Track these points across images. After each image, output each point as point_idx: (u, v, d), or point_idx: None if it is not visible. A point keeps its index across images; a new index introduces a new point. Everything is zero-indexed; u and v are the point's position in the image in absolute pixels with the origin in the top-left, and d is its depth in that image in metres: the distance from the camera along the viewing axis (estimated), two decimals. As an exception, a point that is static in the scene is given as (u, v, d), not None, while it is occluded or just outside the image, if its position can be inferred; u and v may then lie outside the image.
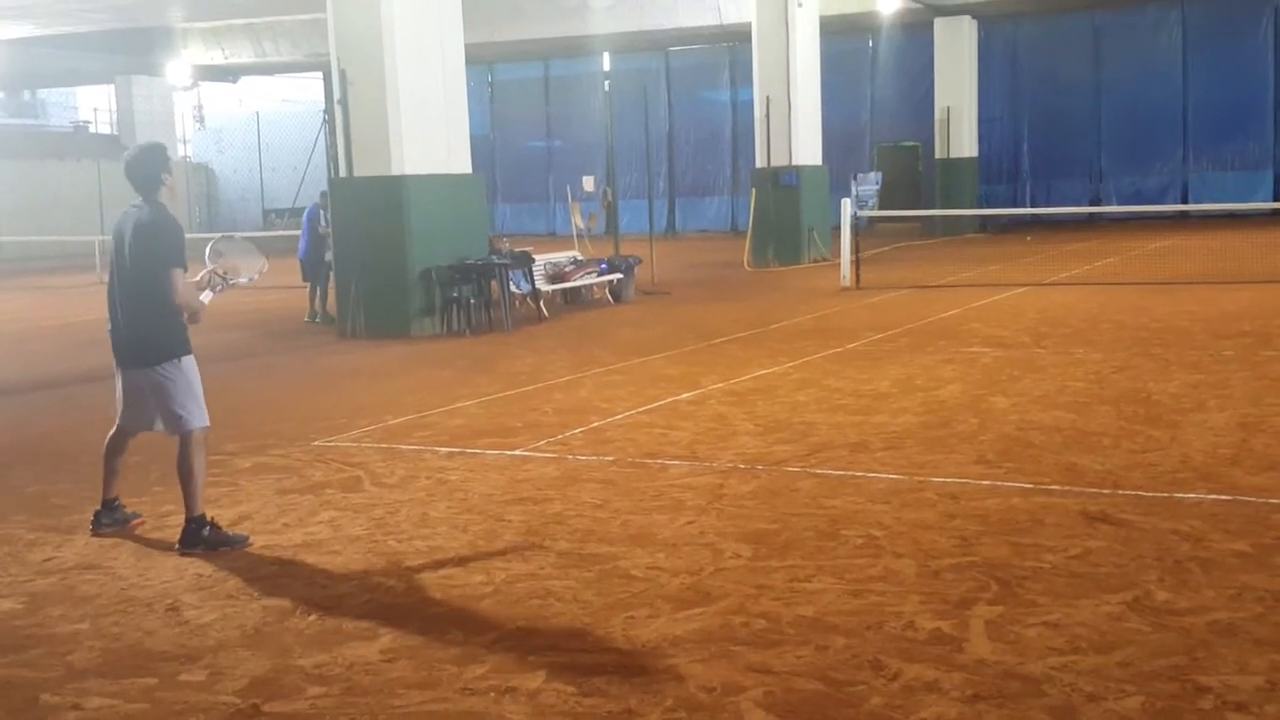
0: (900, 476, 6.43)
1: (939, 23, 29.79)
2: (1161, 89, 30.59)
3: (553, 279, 16.22)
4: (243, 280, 6.31)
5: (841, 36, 29.54)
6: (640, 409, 8.71)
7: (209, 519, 5.74)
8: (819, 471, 6.63)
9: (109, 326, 5.93)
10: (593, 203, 20.84)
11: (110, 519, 6.05)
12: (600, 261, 17.21)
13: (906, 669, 3.93)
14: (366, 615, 4.67)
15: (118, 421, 6.03)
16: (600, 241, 20.38)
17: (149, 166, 5.83)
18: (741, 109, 32.65)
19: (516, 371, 10.81)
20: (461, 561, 5.29)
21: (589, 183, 20.87)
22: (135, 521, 6.13)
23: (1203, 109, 30.20)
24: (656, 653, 4.17)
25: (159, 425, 5.88)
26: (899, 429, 7.63)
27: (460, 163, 14.49)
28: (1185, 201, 29.59)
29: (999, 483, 6.22)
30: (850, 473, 6.58)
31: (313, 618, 4.67)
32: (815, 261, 22.45)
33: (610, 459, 7.15)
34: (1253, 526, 5.28)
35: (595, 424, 8.23)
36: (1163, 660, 3.91)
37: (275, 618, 4.69)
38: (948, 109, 30.15)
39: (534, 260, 15.57)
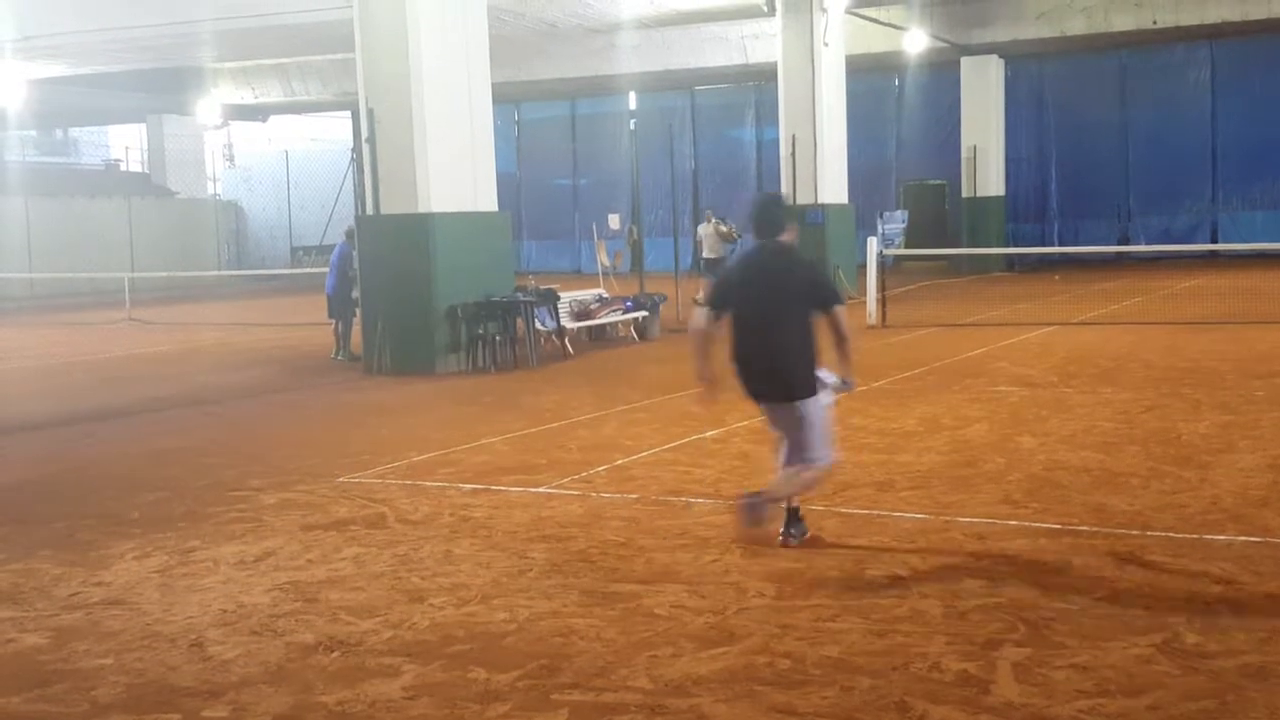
0: (926, 516, 6.38)
1: (966, 62, 29.85)
2: (1190, 128, 30.52)
3: (578, 316, 16.25)
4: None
5: (868, 75, 29.64)
6: (664, 446, 8.70)
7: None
8: (844, 510, 6.60)
9: (738, 363, 6.12)
10: (618, 240, 20.95)
11: (798, 530, 6.00)
12: (625, 299, 17.25)
13: (932, 711, 3.89)
14: (389, 652, 4.66)
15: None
16: (625, 279, 20.44)
17: (779, 212, 6.32)
18: (766, 147, 32.74)
19: (541, 408, 10.82)
20: (484, 599, 5.28)
21: (614, 220, 20.98)
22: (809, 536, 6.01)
23: (1231, 148, 30.10)
24: (680, 692, 4.14)
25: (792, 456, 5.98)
26: (925, 468, 7.59)
27: (487, 200, 14.58)
28: (1215, 241, 29.45)
29: (1026, 523, 6.16)
30: (875, 512, 6.54)
31: (335, 654, 4.67)
32: (841, 300, 22.39)
33: (634, 497, 7.14)
34: (1284, 569, 5.21)
35: (619, 461, 8.22)
36: (1192, 704, 3.85)
37: (298, 654, 4.69)
38: (974, 148, 30.15)
39: (559, 298, 15.62)
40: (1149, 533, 5.90)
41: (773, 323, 5.96)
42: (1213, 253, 28.71)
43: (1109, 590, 5.03)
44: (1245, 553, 5.49)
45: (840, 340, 5.95)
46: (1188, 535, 5.82)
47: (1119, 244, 30.30)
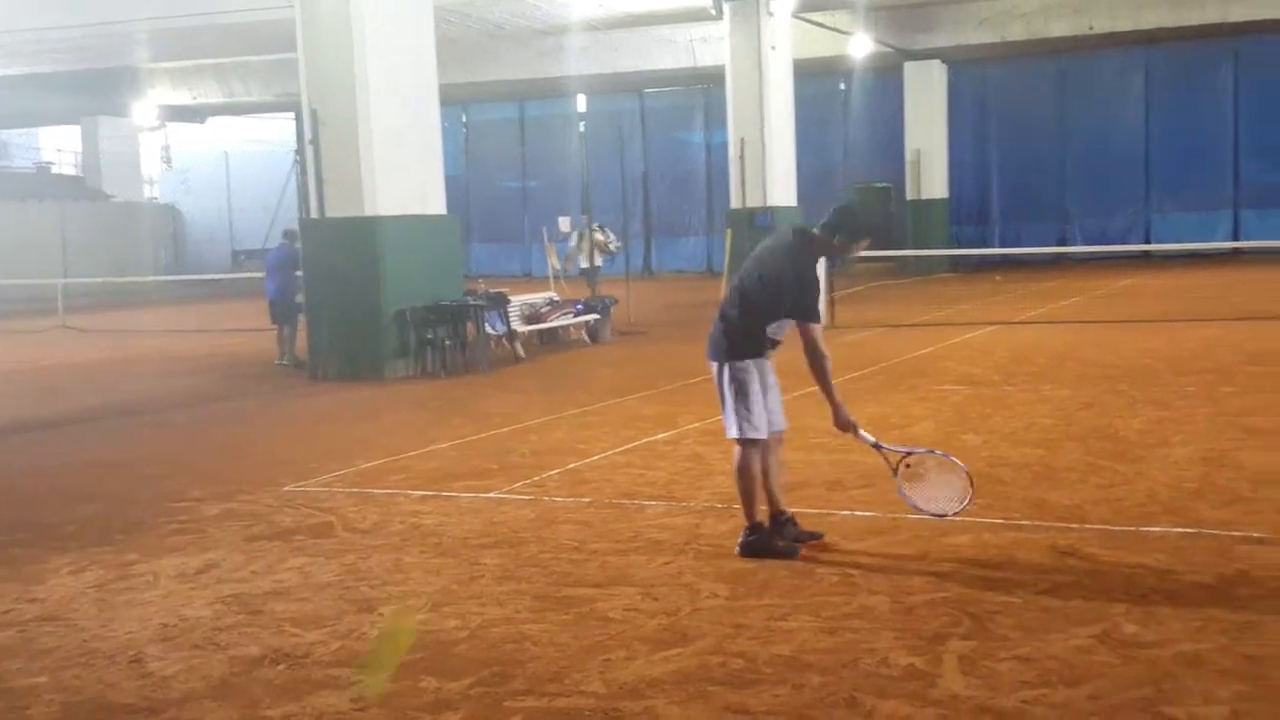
0: (875, 514, 6.48)
1: (909, 67, 30.19)
2: (1125, 132, 31.10)
3: (529, 320, 16.25)
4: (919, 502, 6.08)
5: (814, 79, 29.88)
6: (617, 450, 8.74)
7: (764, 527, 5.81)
8: (795, 510, 6.65)
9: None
10: (569, 243, 20.94)
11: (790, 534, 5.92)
12: (576, 302, 17.27)
13: (881, 706, 3.97)
14: (337, 664, 4.64)
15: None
16: (576, 282, 20.46)
17: (857, 222, 5.94)
18: (716, 150, 32.89)
19: (492, 413, 10.82)
20: (435, 606, 5.29)
21: (565, 223, 20.99)
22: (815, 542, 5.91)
23: (1164, 152, 30.71)
24: (634, 694, 4.19)
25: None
26: (873, 467, 7.67)
27: (435, 203, 14.53)
28: (1148, 241, 30.00)
29: (970, 519, 6.27)
30: (826, 511, 6.63)
31: (281, 667, 4.63)
32: (788, 301, 22.53)
33: (587, 500, 7.18)
34: (1216, 559, 5.36)
35: (572, 465, 8.25)
36: (1131, 692, 3.97)
37: (242, 668, 4.65)
38: (918, 151, 30.50)
39: (509, 301, 15.61)
40: (1087, 526, 6.04)
41: (738, 290, 5.90)
42: (1146, 253, 29.27)
43: (1050, 583, 5.15)
44: (1179, 544, 5.63)
45: (810, 358, 5.75)
46: (1124, 528, 5.97)
47: (1057, 245, 30.80)
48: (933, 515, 5.93)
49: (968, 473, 5.93)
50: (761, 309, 5.80)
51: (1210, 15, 26.07)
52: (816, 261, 6.05)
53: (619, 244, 19.88)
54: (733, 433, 5.86)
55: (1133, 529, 5.95)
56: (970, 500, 5.89)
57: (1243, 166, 30.11)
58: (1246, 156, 30.04)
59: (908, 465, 6.01)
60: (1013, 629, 4.62)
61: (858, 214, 6.07)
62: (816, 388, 5.88)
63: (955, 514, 5.87)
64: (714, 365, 5.93)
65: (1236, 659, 4.20)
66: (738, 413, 5.83)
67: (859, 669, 4.30)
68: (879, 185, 33.15)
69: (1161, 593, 4.95)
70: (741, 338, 5.85)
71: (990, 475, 7.29)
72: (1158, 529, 5.92)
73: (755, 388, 5.82)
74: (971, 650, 4.42)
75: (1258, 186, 29.87)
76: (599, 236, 19.47)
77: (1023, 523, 6.17)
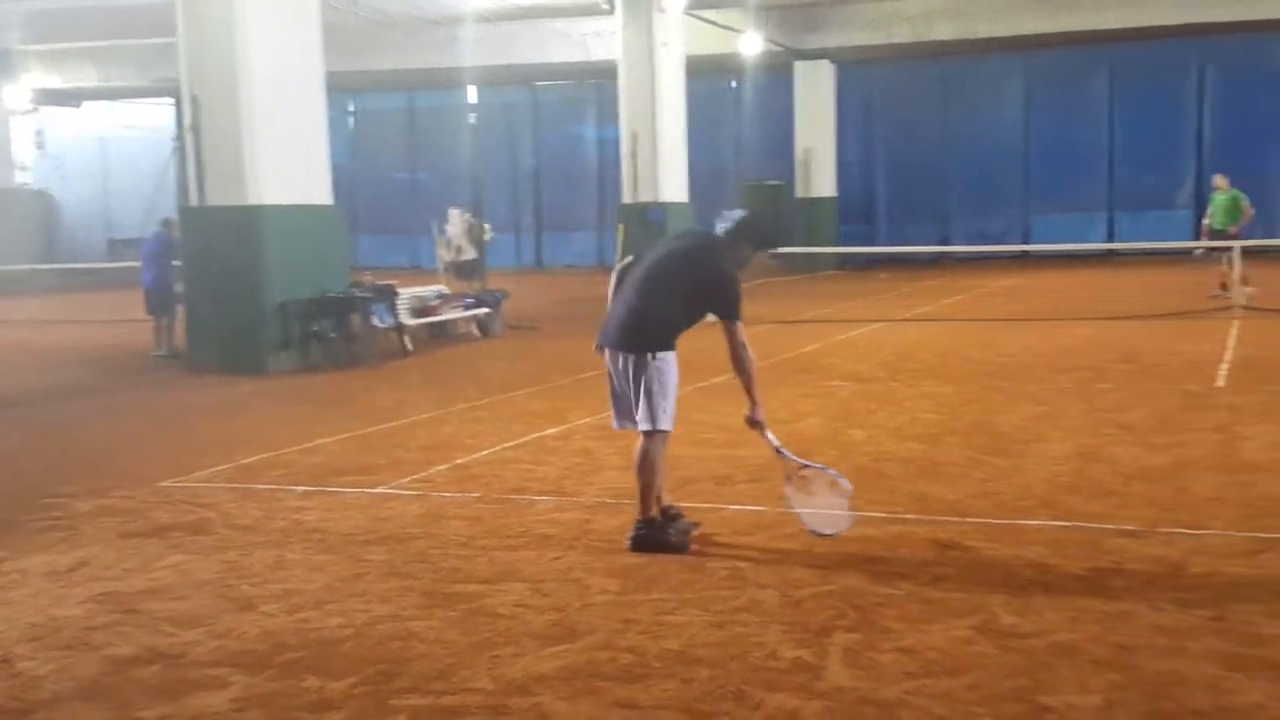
0: (764, 509, 6.54)
1: (799, 66, 30.56)
2: (1004, 134, 31.94)
3: (417, 313, 16.06)
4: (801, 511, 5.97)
5: (706, 76, 30.04)
6: (506, 444, 8.68)
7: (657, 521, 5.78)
8: (685, 504, 6.69)
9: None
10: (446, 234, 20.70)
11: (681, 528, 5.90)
12: (466, 296, 17.12)
13: (769, 698, 4.00)
14: (215, 663, 4.53)
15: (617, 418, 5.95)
16: (466, 275, 20.26)
17: (766, 232, 6.15)
18: (608, 145, 32.87)
19: (379, 407, 10.67)
20: (319, 604, 5.19)
21: (455, 216, 20.77)
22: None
23: (1043, 155, 31.60)
24: (522, 691, 4.16)
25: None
26: (762, 462, 7.74)
27: (320, 193, 14.25)
28: (1026, 242, 30.86)
29: (855, 513, 6.37)
30: (715, 505, 6.67)
31: (156, 667, 4.50)
32: (678, 297, 22.65)
33: (476, 495, 7.11)
34: (1089, 551, 5.53)
35: (460, 460, 8.17)
36: (1009, 682, 4.06)
37: (115, 668, 4.51)
38: (808, 150, 30.90)
39: (398, 294, 15.41)
40: (968, 519, 6.18)
41: (652, 285, 5.85)
42: (1025, 253, 30.11)
43: (932, 575, 5.25)
44: (1055, 536, 5.80)
45: (734, 356, 5.76)
46: (1003, 521, 6.12)
47: (940, 245, 31.52)
48: (808, 529, 5.89)
49: (850, 500, 5.88)
50: (688, 304, 5.81)
51: (1086, 22, 26.90)
52: (736, 264, 6.06)
53: (493, 234, 19.55)
54: (647, 425, 5.79)
55: (1011, 522, 6.10)
56: (845, 529, 5.83)
57: (1117, 170, 31.13)
58: (1121, 160, 31.07)
59: (802, 476, 6.01)
60: (896, 621, 4.70)
61: (762, 225, 6.19)
62: (736, 380, 5.94)
63: (827, 536, 5.80)
64: (626, 357, 5.82)
65: (1109, 648, 4.33)
66: (658, 405, 5.79)
67: (747, 662, 4.33)
68: (771, 183, 33.52)
69: (1038, 584, 5.09)
70: (664, 330, 5.82)
71: (875, 470, 7.42)
72: (1035, 522, 6.08)
73: (675, 380, 5.85)
74: (856, 642, 4.48)
75: (1131, 190, 30.92)
76: (471, 221, 19.12)
77: (906, 516, 6.29)
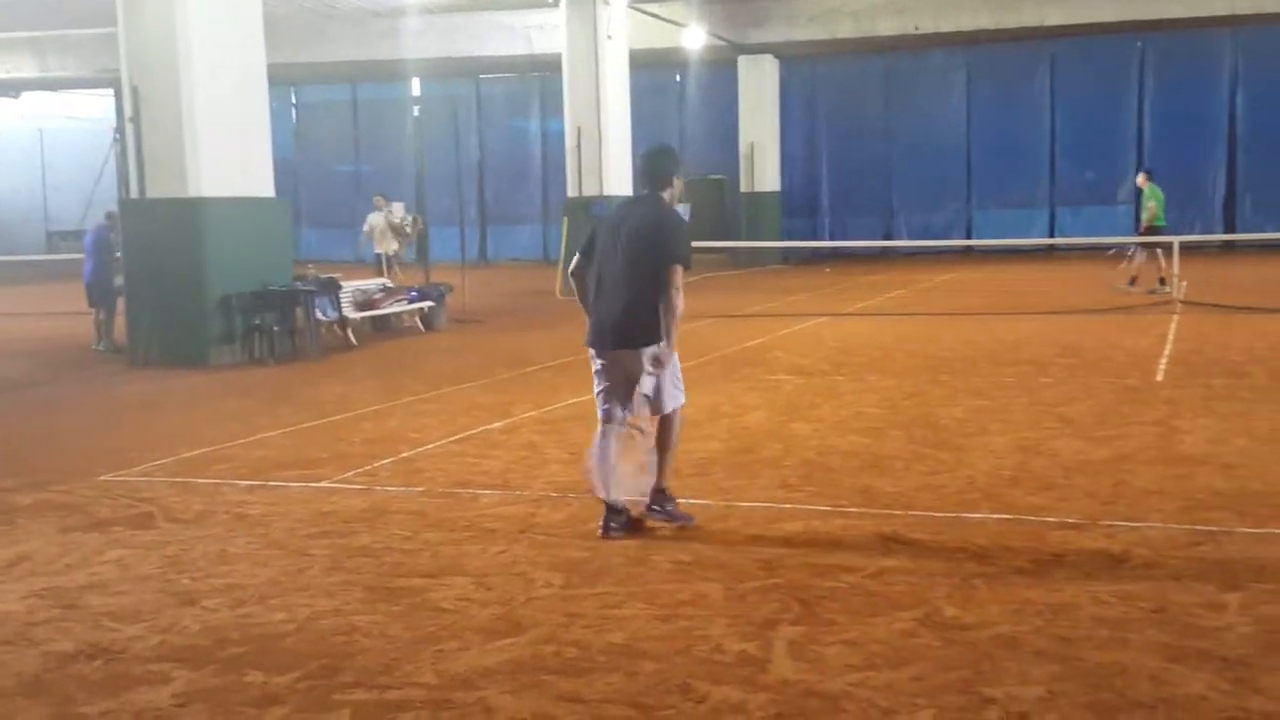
0: (708, 502, 6.56)
1: (743, 60, 30.65)
2: (947, 130, 32.29)
3: (361, 306, 15.93)
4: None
5: (651, 70, 30.06)
6: (451, 438, 8.64)
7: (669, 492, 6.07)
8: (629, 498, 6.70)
9: (589, 309, 6.14)
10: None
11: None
12: (410, 289, 17.01)
13: (714, 691, 4.01)
14: (158, 659, 4.47)
15: (603, 412, 6.12)
16: (411, 268, 20.14)
17: (666, 165, 6.19)
18: (552, 138, 32.80)
19: (322, 401, 10.57)
20: (262, 599, 5.13)
21: (399, 209, 20.64)
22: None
23: (985, 150, 32.00)
24: (466, 685, 4.14)
25: (636, 408, 6.01)
26: (706, 455, 7.79)
27: (262, 185, 14.11)
28: (970, 237, 31.22)
29: (800, 506, 6.42)
30: (658, 499, 6.66)
31: (98, 663, 4.44)
32: (624, 290, 22.68)
33: (420, 490, 7.07)
34: (1032, 543, 5.60)
35: (405, 454, 8.12)
36: (951, 674, 4.10)
37: (56, 664, 4.44)
38: (752, 144, 31.02)
39: (341, 287, 15.28)
40: (911, 512, 6.23)
41: (627, 271, 5.98)
42: (968, 248, 30.47)
43: (876, 568, 5.29)
44: (997, 529, 5.87)
45: (667, 299, 5.88)
46: (946, 514, 6.18)
47: (883, 239, 31.79)
48: (592, 483, 6.04)
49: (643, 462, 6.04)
50: (659, 275, 5.90)
51: (1028, 19, 27.23)
52: (674, 208, 6.28)
53: (420, 226, 19.28)
54: (673, 405, 6.08)
55: (954, 515, 6.16)
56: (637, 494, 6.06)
57: (1058, 166, 31.59)
58: (1062, 156, 31.52)
59: (631, 435, 6.08)
60: (840, 613, 4.73)
61: (655, 162, 6.22)
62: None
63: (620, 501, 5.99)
64: (633, 354, 5.94)
65: (1051, 640, 4.39)
66: (676, 385, 6.10)
67: (692, 656, 4.34)
68: (713, 177, 33.61)
69: (981, 577, 5.15)
70: (658, 317, 5.92)
71: (820, 464, 7.47)
72: (977, 515, 6.15)
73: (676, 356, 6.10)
74: (801, 635, 4.51)
75: (1072, 185, 31.38)
76: (394, 219, 18.79)
77: (850, 510, 6.33)
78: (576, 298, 6.30)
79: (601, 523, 5.97)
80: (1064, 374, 10.93)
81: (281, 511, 6.64)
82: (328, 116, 37.10)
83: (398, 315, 16.72)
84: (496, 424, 9.17)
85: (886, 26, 28.33)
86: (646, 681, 4.11)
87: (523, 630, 4.65)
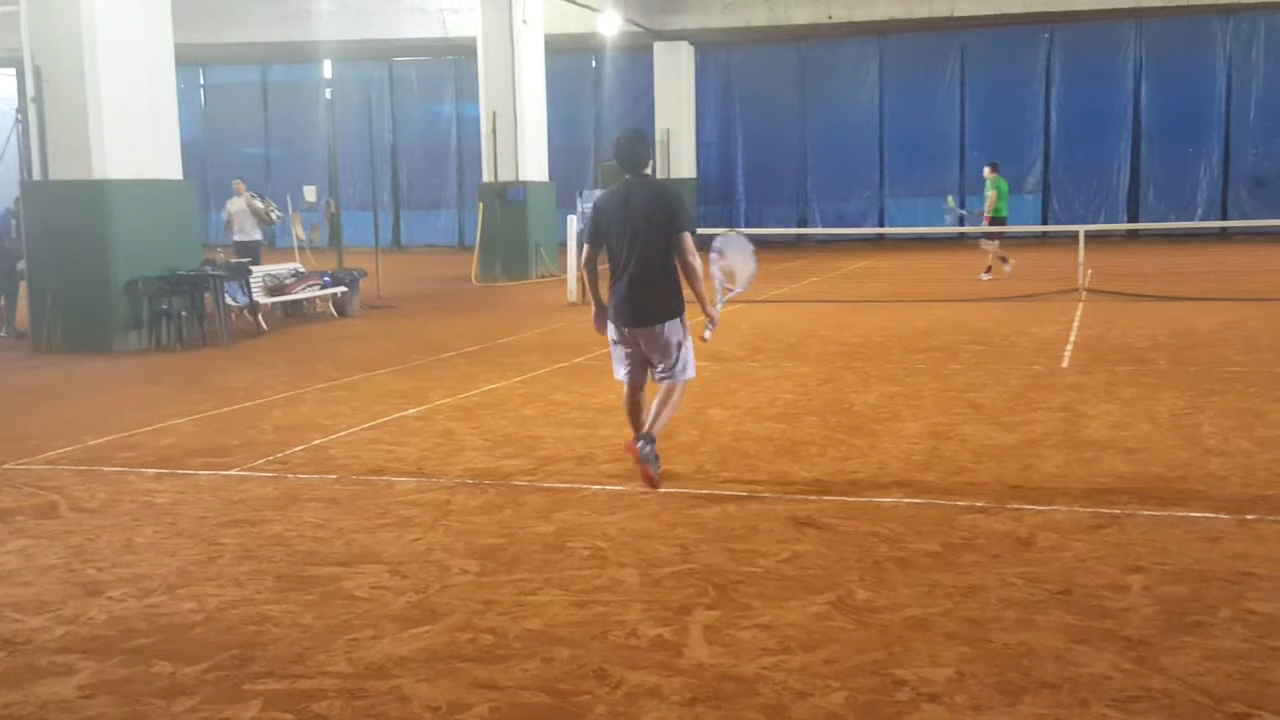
0: (625, 488, 6.57)
1: (658, 46, 30.69)
2: (861, 119, 32.66)
3: (272, 291, 15.67)
4: (737, 290, 7.46)
5: (567, 55, 29.98)
6: (365, 425, 8.54)
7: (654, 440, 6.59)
8: (546, 485, 6.70)
9: (595, 290, 6.77)
10: (315, 213, 20.28)
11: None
12: (323, 274, 16.77)
13: (629, 676, 4.02)
14: (63, 650, 4.37)
15: (626, 383, 6.79)
16: (323, 253, 19.86)
17: (646, 149, 6.84)
18: (467, 123, 32.56)
19: (232, 387, 10.38)
20: (170, 589, 5.04)
21: (310, 193, 20.31)
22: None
23: (897, 139, 32.43)
24: (380, 674, 4.10)
25: (656, 374, 6.69)
26: (624, 442, 7.79)
27: (169, 168, 13.81)
28: (882, 225, 31.65)
29: (716, 491, 6.46)
30: (577, 485, 6.67)
31: (1, 655, 4.33)
32: (542, 277, 22.65)
33: (333, 477, 6.98)
34: (942, 527, 5.70)
35: (317, 441, 8.01)
36: (864, 656, 4.17)
37: (-42, 657, 4.32)
38: (667, 131, 31.08)
39: (251, 272, 15.01)
40: (825, 497, 6.31)
41: (647, 249, 6.53)
42: (880, 236, 30.88)
43: (790, 553, 5.35)
44: (909, 513, 5.96)
45: (685, 265, 6.56)
46: (859, 499, 6.27)
47: (798, 227, 32.08)
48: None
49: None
50: (670, 248, 6.53)
51: (938, 9, 27.66)
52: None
53: (279, 213, 18.80)
54: (688, 375, 6.73)
55: (866, 500, 6.25)
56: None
57: (968, 155, 32.10)
58: (972, 145, 32.04)
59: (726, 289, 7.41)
60: (755, 598, 4.78)
61: (642, 142, 6.84)
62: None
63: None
64: (663, 325, 6.57)
65: (960, 622, 4.47)
66: (690, 355, 6.75)
67: (608, 641, 4.35)
68: (631, 164, 33.57)
69: (893, 560, 5.23)
70: (678, 291, 6.61)
71: (735, 449, 7.52)
72: (889, 499, 6.25)
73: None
74: (716, 620, 4.54)
75: (982, 174, 31.85)
76: (257, 204, 18.33)
77: (765, 495, 6.39)
78: (587, 285, 6.87)
79: (639, 452, 6.46)
80: (973, 360, 11.13)
81: (190, 500, 6.52)
82: (237, 98, 36.38)
83: (310, 301, 16.49)
84: (412, 410, 9.09)
85: (800, 15, 28.57)
86: (562, 667, 4.12)
87: (438, 618, 4.62)
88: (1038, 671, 4.00)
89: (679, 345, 6.62)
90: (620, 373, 6.79)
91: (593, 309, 6.89)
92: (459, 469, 7.12)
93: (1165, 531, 5.56)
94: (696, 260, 6.57)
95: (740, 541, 5.54)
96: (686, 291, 6.62)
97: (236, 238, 18.18)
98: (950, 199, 22.88)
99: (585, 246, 6.80)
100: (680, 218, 6.57)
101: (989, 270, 19.75)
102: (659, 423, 6.63)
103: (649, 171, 6.78)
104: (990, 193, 19.76)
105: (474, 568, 5.24)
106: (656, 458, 6.55)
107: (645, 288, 6.53)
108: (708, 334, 6.84)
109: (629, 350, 6.69)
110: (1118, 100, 31.10)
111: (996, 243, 19.95)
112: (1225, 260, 23.07)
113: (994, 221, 19.68)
